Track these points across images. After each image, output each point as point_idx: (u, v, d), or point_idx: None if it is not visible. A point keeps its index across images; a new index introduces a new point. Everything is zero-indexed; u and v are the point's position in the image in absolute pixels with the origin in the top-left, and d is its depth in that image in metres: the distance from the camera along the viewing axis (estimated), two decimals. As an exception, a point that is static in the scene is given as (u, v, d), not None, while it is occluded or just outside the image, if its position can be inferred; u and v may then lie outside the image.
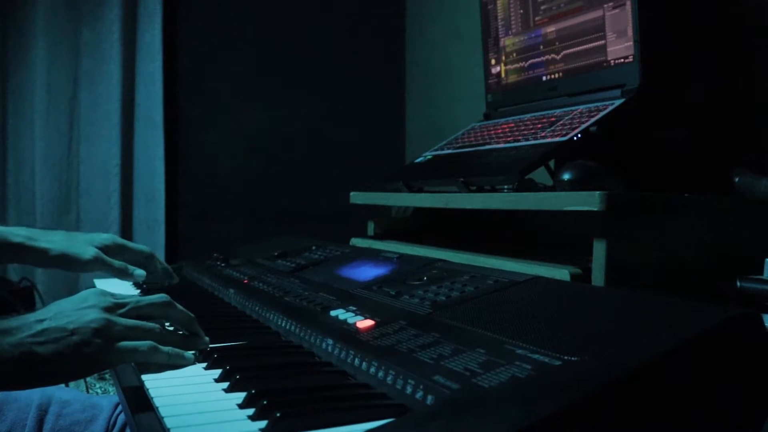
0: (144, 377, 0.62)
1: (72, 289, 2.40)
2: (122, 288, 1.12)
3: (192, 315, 0.72)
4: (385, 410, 0.49)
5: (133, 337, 0.63)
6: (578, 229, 0.85)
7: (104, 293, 0.67)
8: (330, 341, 0.66)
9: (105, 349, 0.60)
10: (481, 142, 1.28)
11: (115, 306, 0.66)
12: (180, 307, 0.72)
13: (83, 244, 0.96)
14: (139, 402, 0.57)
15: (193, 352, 0.68)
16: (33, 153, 2.46)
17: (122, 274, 0.97)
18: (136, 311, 0.67)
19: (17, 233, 0.94)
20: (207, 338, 0.72)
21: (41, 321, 0.60)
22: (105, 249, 0.98)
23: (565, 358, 0.48)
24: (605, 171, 0.93)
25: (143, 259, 1.03)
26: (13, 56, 2.45)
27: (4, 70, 2.46)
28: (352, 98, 2.69)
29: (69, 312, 0.62)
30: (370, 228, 1.46)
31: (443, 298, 0.71)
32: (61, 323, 0.60)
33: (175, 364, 0.65)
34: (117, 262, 0.97)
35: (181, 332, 0.71)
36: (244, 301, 0.96)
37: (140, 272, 1.00)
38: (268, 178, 2.62)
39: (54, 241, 0.94)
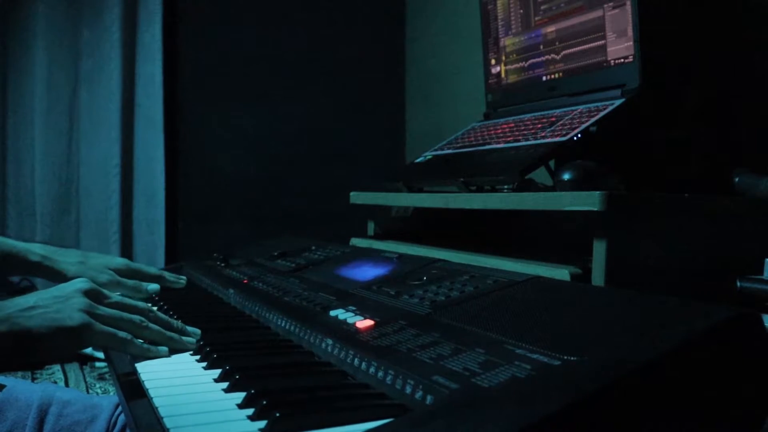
0: (143, 377, 0.62)
1: (72, 289, 2.40)
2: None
3: (178, 323, 0.74)
4: (384, 410, 0.49)
5: (113, 325, 0.68)
6: (578, 229, 0.85)
7: (89, 282, 0.72)
8: (329, 341, 0.66)
9: (86, 328, 0.65)
10: (481, 142, 1.28)
11: (100, 295, 0.71)
12: (156, 322, 0.72)
13: (98, 268, 0.99)
14: (138, 402, 0.57)
15: (166, 348, 0.70)
16: (33, 153, 2.46)
17: (136, 292, 1.00)
18: (120, 306, 0.71)
19: (34, 251, 0.98)
20: (192, 340, 0.73)
21: (27, 301, 0.66)
22: (118, 272, 1.01)
23: (565, 358, 0.48)
24: (605, 171, 0.93)
25: (150, 280, 1.06)
26: (13, 56, 2.46)
27: (4, 69, 2.46)
28: (352, 98, 2.69)
29: (55, 294, 0.67)
30: (370, 228, 1.46)
31: (443, 298, 0.71)
32: (47, 302, 0.65)
33: (147, 356, 0.68)
34: (130, 282, 1.01)
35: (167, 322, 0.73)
36: (243, 301, 0.95)
37: (153, 286, 1.03)
38: (268, 178, 2.62)
39: (71, 263, 0.99)
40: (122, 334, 0.67)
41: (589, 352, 0.48)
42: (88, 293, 0.69)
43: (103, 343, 0.67)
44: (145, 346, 0.69)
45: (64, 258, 0.99)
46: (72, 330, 0.64)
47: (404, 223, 1.47)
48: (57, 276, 0.97)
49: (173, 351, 0.71)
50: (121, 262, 1.04)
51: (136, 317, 0.70)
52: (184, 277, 1.12)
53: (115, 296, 0.73)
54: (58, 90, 2.45)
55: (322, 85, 2.66)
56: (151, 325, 0.71)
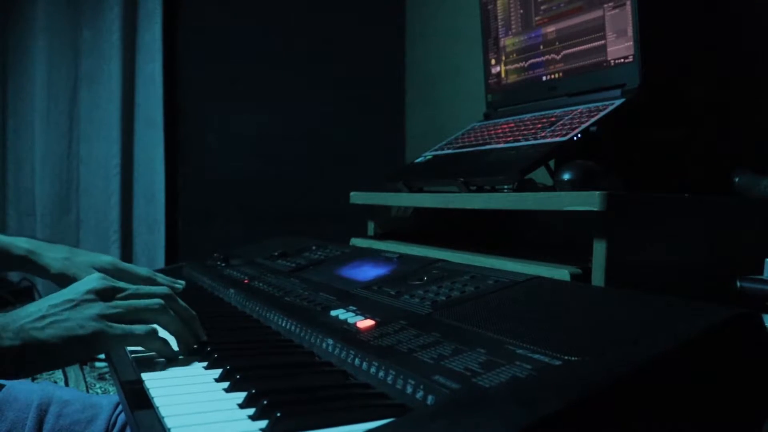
0: (144, 376, 0.62)
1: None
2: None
3: (194, 313, 0.74)
4: (385, 410, 0.49)
5: (129, 318, 0.66)
6: (578, 229, 0.85)
7: (102, 280, 0.70)
8: (330, 341, 0.66)
9: (99, 335, 0.63)
10: (481, 142, 1.28)
11: (115, 291, 0.69)
12: (181, 303, 0.73)
13: (83, 266, 0.95)
14: (139, 402, 0.57)
15: (179, 351, 0.70)
16: (33, 153, 2.46)
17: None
18: (136, 297, 0.69)
19: (20, 245, 0.94)
20: (203, 336, 0.73)
21: (40, 309, 0.63)
22: (104, 272, 0.93)
23: (565, 358, 0.48)
24: (605, 171, 0.93)
25: (142, 282, 0.98)
26: (13, 56, 2.46)
27: (4, 70, 2.46)
28: (352, 98, 2.69)
29: (67, 297, 0.65)
30: (370, 228, 1.46)
31: (443, 298, 0.71)
32: (58, 308, 0.63)
33: (163, 353, 0.68)
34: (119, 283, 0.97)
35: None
36: (244, 301, 0.96)
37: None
38: (268, 179, 2.62)
39: (55, 258, 0.95)
40: (138, 330, 0.65)
41: (589, 352, 0.48)
42: (100, 293, 0.67)
43: (121, 344, 0.66)
44: (164, 340, 0.68)
45: (49, 253, 0.95)
46: (84, 339, 0.62)
47: (404, 223, 1.47)
48: (40, 272, 0.94)
49: (188, 346, 0.71)
50: (107, 260, 0.99)
51: (154, 301, 0.69)
52: (181, 282, 1.06)
53: (131, 287, 0.71)
54: (58, 90, 2.45)
55: (322, 85, 2.65)
56: (169, 310, 0.69)
